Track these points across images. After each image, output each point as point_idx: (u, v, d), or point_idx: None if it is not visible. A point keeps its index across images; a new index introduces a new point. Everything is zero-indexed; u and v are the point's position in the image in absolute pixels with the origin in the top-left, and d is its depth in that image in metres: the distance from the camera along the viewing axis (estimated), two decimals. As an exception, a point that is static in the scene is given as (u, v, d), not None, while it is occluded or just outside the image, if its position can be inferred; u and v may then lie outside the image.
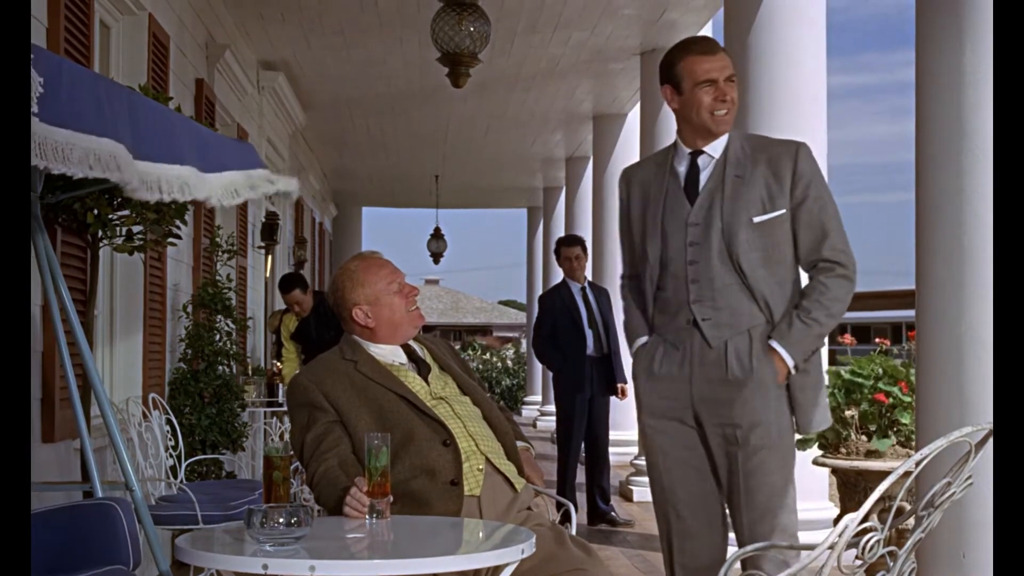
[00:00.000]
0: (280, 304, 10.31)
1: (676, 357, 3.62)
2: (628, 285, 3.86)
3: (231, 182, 3.90)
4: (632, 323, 3.79)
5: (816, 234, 3.58)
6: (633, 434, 10.97)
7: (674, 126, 3.81)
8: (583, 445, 8.42)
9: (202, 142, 3.84)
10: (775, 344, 3.53)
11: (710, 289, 3.56)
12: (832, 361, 6.62)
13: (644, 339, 3.71)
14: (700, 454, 3.65)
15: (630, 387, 8.87)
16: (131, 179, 3.24)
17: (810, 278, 3.61)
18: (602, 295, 8.38)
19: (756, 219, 3.56)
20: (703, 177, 3.64)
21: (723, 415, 3.57)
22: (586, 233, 12.41)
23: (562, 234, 14.06)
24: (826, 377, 5.79)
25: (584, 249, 8.44)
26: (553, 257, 9.11)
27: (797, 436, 5.44)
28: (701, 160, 3.66)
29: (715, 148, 3.65)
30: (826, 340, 3.79)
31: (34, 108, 2.75)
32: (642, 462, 9.71)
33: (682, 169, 3.67)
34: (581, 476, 8.57)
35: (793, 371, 3.55)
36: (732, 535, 3.70)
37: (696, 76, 3.60)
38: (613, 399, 8.44)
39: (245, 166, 4.06)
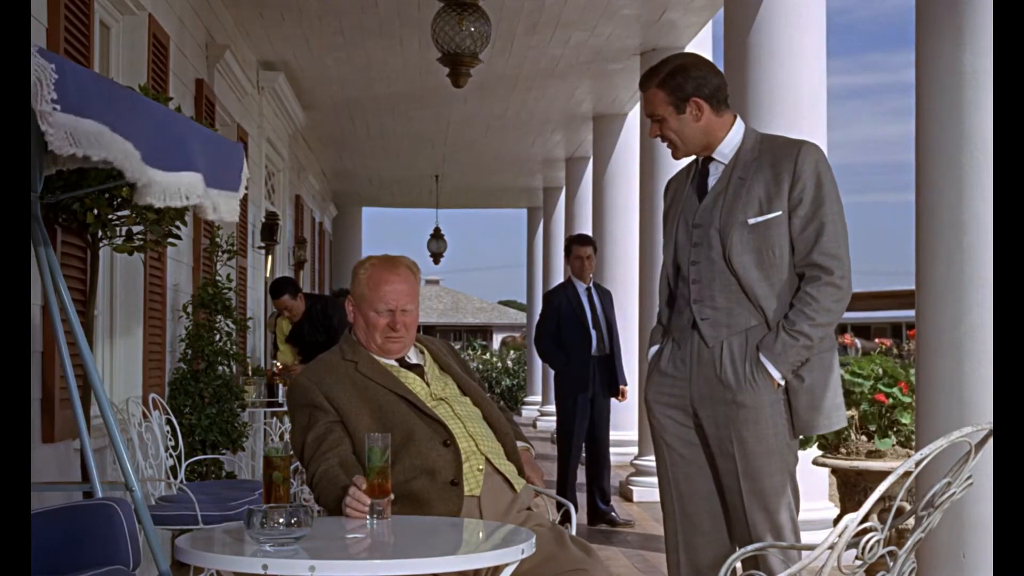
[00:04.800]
0: None
1: (680, 356, 3.68)
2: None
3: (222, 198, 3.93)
4: (656, 328, 3.91)
5: (809, 237, 3.54)
6: (634, 434, 10.96)
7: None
8: (584, 445, 8.41)
9: (207, 146, 3.85)
10: (762, 357, 3.53)
11: (709, 289, 3.61)
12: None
13: (658, 346, 3.81)
14: (702, 452, 3.67)
15: (631, 389, 8.89)
16: (144, 179, 3.26)
17: (799, 287, 3.56)
18: (606, 296, 8.38)
19: (751, 220, 3.55)
20: (711, 181, 3.70)
21: (719, 417, 3.58)
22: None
23: (563, 234, 14.05)
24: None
25: (595, 249, 8.45)
26: (553, 257, 9.11)
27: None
28: (712, 165, 3.71)
29: (725, 153, 3.68)
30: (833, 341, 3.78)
31: (53, 95, 2.74)
32: (642, 462, 9.70)
33: (695, 173, 3.76)
34: (581, 476, 8.56)
35: (781, 383, 3.54)
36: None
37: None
38: (613, 399, 8.44)
39: (233, 165, 4.08)
